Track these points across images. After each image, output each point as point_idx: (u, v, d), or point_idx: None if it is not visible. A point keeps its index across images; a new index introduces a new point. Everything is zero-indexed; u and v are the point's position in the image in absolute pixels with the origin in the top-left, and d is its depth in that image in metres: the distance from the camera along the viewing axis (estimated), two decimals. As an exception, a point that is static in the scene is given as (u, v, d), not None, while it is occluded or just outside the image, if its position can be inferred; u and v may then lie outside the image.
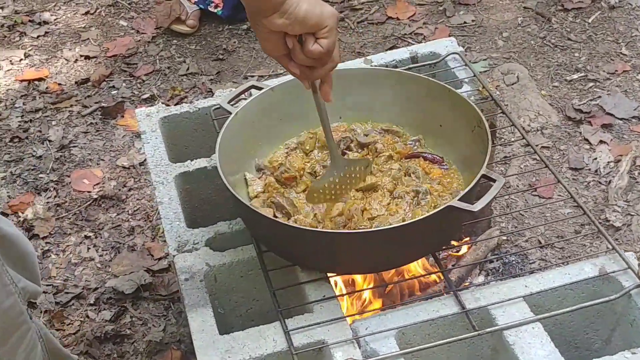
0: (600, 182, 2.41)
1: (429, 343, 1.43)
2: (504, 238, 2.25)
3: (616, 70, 2.83)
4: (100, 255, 2.38)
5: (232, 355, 1.43)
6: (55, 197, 2.57)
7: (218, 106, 1.85)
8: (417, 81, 1.73)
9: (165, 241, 2.38)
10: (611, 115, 2.63)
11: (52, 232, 2.44)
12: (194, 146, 2.01)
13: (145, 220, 2.47)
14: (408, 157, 1.68)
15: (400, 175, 1.63)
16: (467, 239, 2.11)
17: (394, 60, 2.06)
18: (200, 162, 1.85)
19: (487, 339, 1.51)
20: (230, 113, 1.67)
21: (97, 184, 2.61)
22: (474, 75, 1.97)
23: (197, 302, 1.54)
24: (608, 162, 2.47)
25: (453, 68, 2.01)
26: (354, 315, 1.54)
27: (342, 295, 1.57)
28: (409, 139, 1.74)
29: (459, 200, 1.40)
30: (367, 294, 1.70)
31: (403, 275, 1.68)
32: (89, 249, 2.40)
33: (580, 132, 2.59)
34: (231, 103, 1.72)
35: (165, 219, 1.73)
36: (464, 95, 1.71)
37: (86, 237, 2.44)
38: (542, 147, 2.55)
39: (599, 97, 2.72)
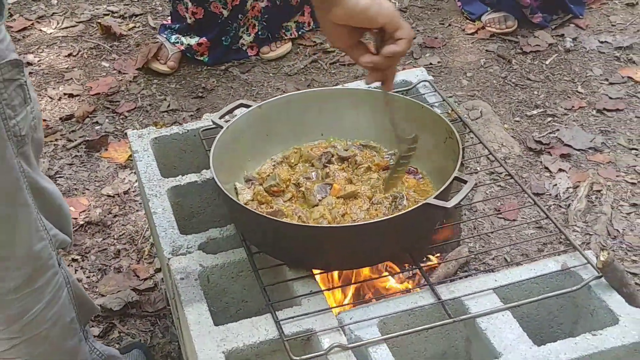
0: (560, 206, 2.58)
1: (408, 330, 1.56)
2: (472, 256, 2.39)
3: (573, 106, 3.03)
4: (88, 277, 2.48)
5: (227, 343, 1.54)
6: (42, 223, 2.67)
7: (206, 127, 2.00)
8: (393, 100, 1.89)
9: (150, 263, 2.52)
10: (569, 146, 2.82)
11: (40, 256, 2.53)
12: (183, 165, 2.14)
13: (130, 244, 2.58)
14: (385, 168, 1.83)
15: (378, 184, 1.77)
16: (438, 255, 2.25)
17: (369, 88, 2.22)
18: (191, 177, 1.98)
19: (460, 330, 1.64)
20: (222, 127, 1.81)
21: (83, 211, 2.71)
22: (443, 100, 2.14)
23: (193, 297, 1.66)
24: (567, 187, 2.64)
25: (424, 94, 2.18)
26: (339, 307, 1.66)
27: (328, 289, 1.70)
28: (385, 153, 1.89)
29: (434, 198, 1.55)
30: (350, 290, 1.82)
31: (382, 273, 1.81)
32: (76, 271, 2.49)
33: (541, 162, 2.77)
34: (221, 119, 1.86)
35: (159, 227, 1.84)
36: (435, 110, 1.86)
37: (73, 260, 2.53)
38: (506, 174, 2.72)
39: (557, 130, 2.91)
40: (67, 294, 1.67)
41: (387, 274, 1.84)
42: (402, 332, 1.56)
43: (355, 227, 1.56)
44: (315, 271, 1.68)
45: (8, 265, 1.50)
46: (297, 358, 1.49)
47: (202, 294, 1.67)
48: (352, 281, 1.78)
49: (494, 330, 1.55)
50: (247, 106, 1.90)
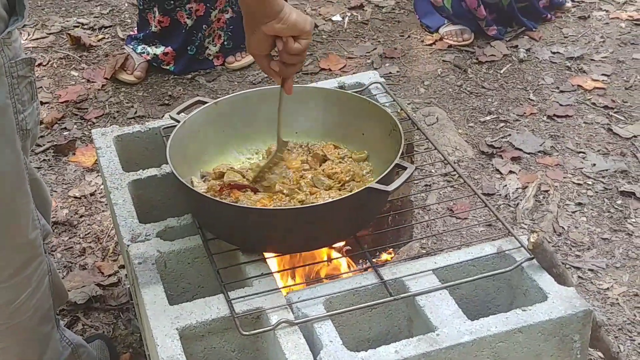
0: (509, 205, 2.70)
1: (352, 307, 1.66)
2: (424, 251, 2.50)
3: (524, 113, 3.16)
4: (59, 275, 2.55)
5: (181, 320, 1.63)
6: (10, 223, 2.74)
7: (167, 125, 2.10)
8: (342, 97, 2.01)
9: (115, 260, 2.60)
10: (520, 150, 2.95)
11: (7, 254, 2.61)
12: (144, 162, 2.23)
13: (95, 243, 2.66)
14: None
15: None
16: (391, 250, 2.36)
17: (322, 87, 2.34)
18: (151, 171, 2.07)
19: (403, 310, 1.74)
20: (179, 122, 1.91)
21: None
22: (394, 100, 2.25)
23: (150, 280, 1.75)
24: (517, 188, 2.77)
25: (375, 94, 2.30)
26: (287, 287, 1.76)
27: (277, 272, 1.79)
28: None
29: (376, 182, 1.66)
30: (297, 273, 1.92)
31: (329, 256, 1.91)
32: (42, 268, 2.57)
33: (493, 164, 2.89)
34: (179, 114, 1.96)
35: (119, 216, 1.93)
36: (380, 106, 1.97)
37: (41, 257, 2.61)
38: (459, 177, 2.84)
39: (509, 135, 3.04)
40: (48, 281, 1.74)
41: (334, 257, 1.94)
42: (345, 309, 1.66)
43: (298, 209, 1.67)
44: (268, 255, 1.78)
45: (7, 253, 1.58)
46: (247, 333, 1.59)
47: (158, 277, 1.76)
48: (302, 264, 1.87)
49: (432, 307, 1.65)
50: (204, 102, 2.00)
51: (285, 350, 1.56)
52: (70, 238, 2.69)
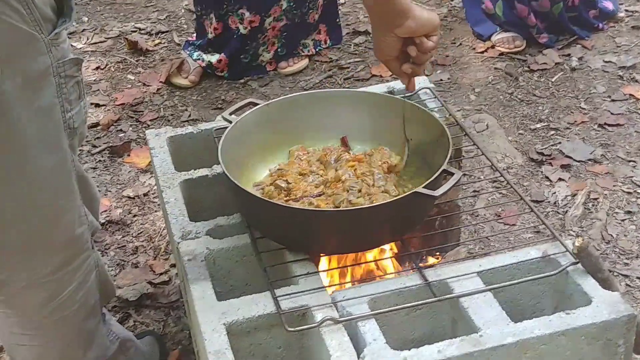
0: (558, 212, 2.70)
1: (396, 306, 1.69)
2: (471, 255, 2.51)
3: (575, 121, 3.15)
4: (107, 271, 2.62)
5: (228, 316, 1.67)
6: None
7: (219, 127, 2.15)
8: (391, 101, 2.03)
9: (166, 259, 2.66)
10: (570, 157, 2.94)
11: (63, 251, 2.69)
12: (196, 163, 2.28)
13: (148, 242, 2.73)
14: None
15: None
16: (438, 254, 2.38)
17: (369, 91, 2.36)
18: (203, 171, 2.13)
19: (447, 312, 1.76)
20: (231, 122, 1.96)
21: (105, 211, 2.87)
22: (442, 105, 2.27)
23: (198, 277, 1.79)
24: (566, 195, 2.76)
25: (424, 100, 2.32)
26: (333, 285, 1.79)
27: (324, 271, 1.83)
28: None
29: (423, 187, 1.68)
30: (343, 273, 1.95)
31: (376, 258, 1.94)
32: (96, 265, 2.64)
33: (542, 172, 2.89)
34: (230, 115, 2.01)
35: (171, 214, 1.99)
36: (429, 112, 1.99)
37: (96, 255, 2.68)
38: (506, 182, 2.84)
39: (559, 142, 3.03)
40: (95, 276, 1.78)
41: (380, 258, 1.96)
42: (389, 309, 1.68)
43: (342, 212, 1.70)
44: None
45: (52, 248, 1.63)
46: (292, 329, 1.62)
47: (207, 273, 1.80)
48: (348, 264, 1.90)
49: (475, 308, 1.66)
50: (256, 104, 2.05)
51: (329, 347, 1.59)
52: (123, 237, 2.76)
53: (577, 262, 1.73)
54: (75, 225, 1.65)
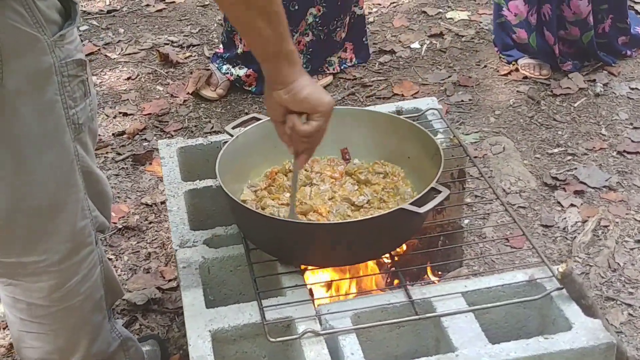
0: (566, 238, 2.70)
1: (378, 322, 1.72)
2: (471, 276, 2.52)
3: (594, 147, 3.14)
4: (119, 275, 2.69)
5: (215, 323, 1.72)
6: (84, 225, 2.91)
7: (227, 140, 2.21)
8: (390, 120, 2.07)
9: (177, 266, 2.72)
10: (584, 183, 2.93)
11: (79, 254, 2.77)
12: (206, 174, 2.34)
13: (160, 248, 2.80)
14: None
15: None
16: (440, 273, 2.40)
17: (380, 111, 2.40)
18: (207, 182, 2.19)
19: (431, 330, 1.78)
20: (232, 136, 2.02)
21: (122, 217, 2.95)
22: (447, 127, 2.30)
23: (191, 284, 1.85)
24: (576, 221, 2.75)
25: (431, 120, 2.35)
26: (318, 299, 1.83)
27: (312, 284, 1.86)
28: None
29: (409, 204, 1.71)
30: (332, 286, 1.99)
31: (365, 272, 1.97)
32: (109, 268, 2.71)
33: (554, 197, 2.89)
34: (234, 129, 2.06)
35: (172, 222, 2.05)
36: (422, 128, 2.01)
37: (108, 259, 2.75)
38: (519, 206, 2.85)
39: (575, 168, 3.02)
40: (99, 272, 1.84)
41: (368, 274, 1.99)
42: (370, 325, 1.71)
43: (328, 225, 1.74)
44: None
45: (55, 239, 1.70)
46: (274, 340, 1.66)
47: (199, 281, 1.86)
48: (337, 278, 1.94)
49: (455, 328, 1.69)
50: (259, 119, 2.10)
51: (307, 359, 1.63)
52: (138, 242, 2.83)
53: (562, 288, 1.74)
54: (78, 218, 1.71)
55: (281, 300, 1.76)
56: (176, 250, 1.97)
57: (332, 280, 1.94)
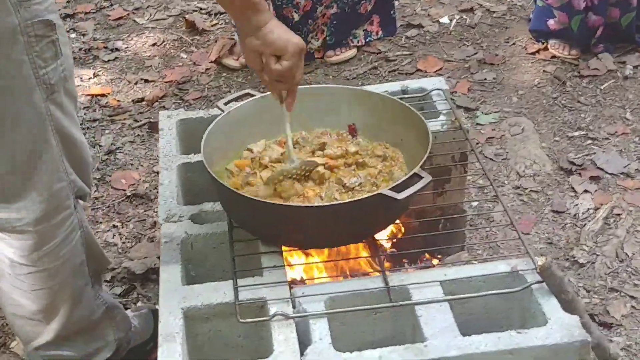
0: (576, 225, 2.62)
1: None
2: (475, 261, 2.47)
3: (616, 132, 3.04)
4: (123, 242, 2.71)
5: (187, 301, 1.72)
6: (95, 191, 2.93)
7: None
8: (381, 100, 2.03)
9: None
10: (601, 169, 2.85)
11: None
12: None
13: (167, 218, 2.80)
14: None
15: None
16: (440, 256, 2.36)
17: (386, 91, 2.35)
18: (201, 156, 2.17)
19: (408, 318, 1.75)
20: (223, 112, 2.00)
21: (132, 184, 2.96)
22: (450, 109, 2.24)
23: (170, 260, 1.84)
24: (588, 208, 2.68)
25: (435, 101, 2.29)
26: (293, 281, 1.81)
27: (290, 265, 1.85)
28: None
29: (389, 189, 1.68)
30: (314, 269, 1.97)
31: (347, 256, 1.95)
32: (114, 236, 2.73)
33: (569, 182, 2.81)
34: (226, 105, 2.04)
35: (161, 196, 2.04)
36: (413, 109, 1.96)
37: (114, 226, 2.78)
38: (531, 190, 2.78)
39: (594, 153, 2.93)
40: (79, 237, 1.87)
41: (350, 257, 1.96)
42: (342, 310, 1.69)
43: (307, 207, 1.71)
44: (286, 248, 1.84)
45: (30, 197, 1.72)
46: (243, 320, 1.65)
47: (179, 257, 1.85)
48: (317, 261, 1.92)
49: (428, 318, 1.65)
50: (252, 95, 2.08)
51: (275, 341, 1.61)
52: (145, 211, 2.84)
53: (542, 281, 1.69)
54: (54, 179, 1.73)
55: (257, 281, 1.75)
56: (161, 224, 1.96)
57: (311, 263, 1.92)
